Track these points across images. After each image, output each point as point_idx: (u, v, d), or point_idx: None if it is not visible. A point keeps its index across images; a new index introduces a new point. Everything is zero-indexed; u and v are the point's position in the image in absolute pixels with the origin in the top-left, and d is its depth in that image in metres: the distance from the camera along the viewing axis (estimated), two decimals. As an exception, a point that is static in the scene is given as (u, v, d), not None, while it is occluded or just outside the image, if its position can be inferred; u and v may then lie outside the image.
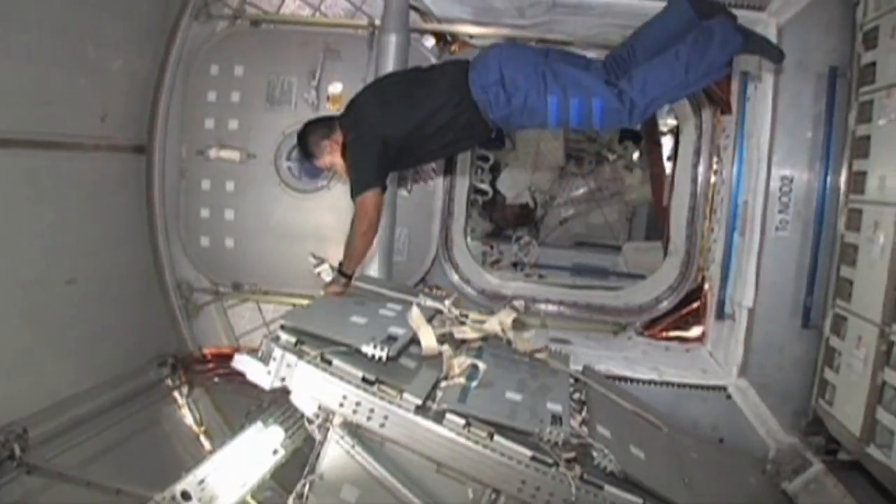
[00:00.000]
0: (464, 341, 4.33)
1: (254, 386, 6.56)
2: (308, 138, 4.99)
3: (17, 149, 5.38)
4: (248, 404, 5.93)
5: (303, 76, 6.96)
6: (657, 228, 9.86)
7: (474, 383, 3.88)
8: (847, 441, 5.18)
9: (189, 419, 6.82)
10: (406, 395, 3.61)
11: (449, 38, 7.08)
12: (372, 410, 3.61)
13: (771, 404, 6.01)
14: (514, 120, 4.68)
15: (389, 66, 6.33)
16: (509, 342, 4.77)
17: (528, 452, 3.54)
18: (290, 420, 5.69)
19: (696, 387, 6.17)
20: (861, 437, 4.87)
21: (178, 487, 4.49)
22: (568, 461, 3.58)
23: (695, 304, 7.07)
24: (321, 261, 4.87)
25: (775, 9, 5.92)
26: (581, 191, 11.50)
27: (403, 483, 3.58)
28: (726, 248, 6.51)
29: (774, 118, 5.96)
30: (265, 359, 3.68)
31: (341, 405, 3.63)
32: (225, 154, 7.00)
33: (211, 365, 6.95)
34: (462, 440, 3.55)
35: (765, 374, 6.04)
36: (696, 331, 7.04)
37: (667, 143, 10.18)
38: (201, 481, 4.61)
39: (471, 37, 6.97)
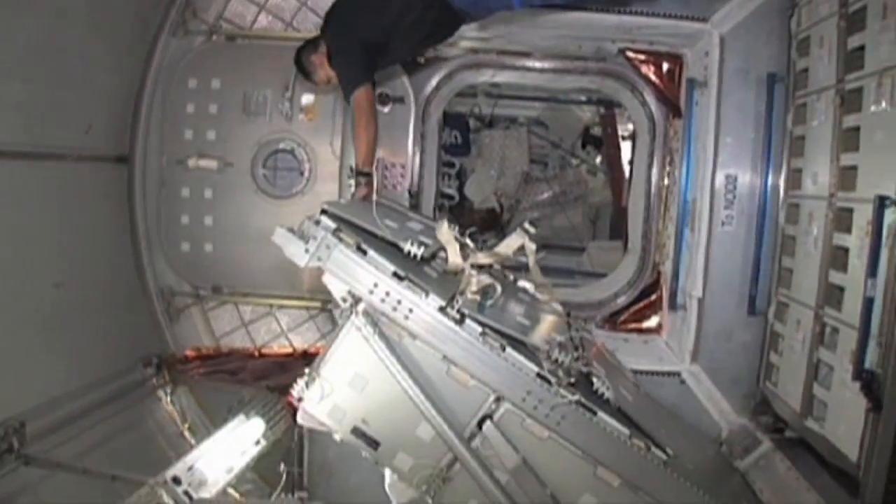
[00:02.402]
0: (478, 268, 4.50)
1: (233, 382, 6.90)
2: (301, 61, 5.34)
3: (7, 160, 5.63)
4: (229, 401, 6.21)
5: (277, 88, 7.24)
6: (619, 229, 10.21)
7: (489, 302, 4.10)
8: (790, 417, 5.60)
9: (174, 416, 7.04)
10: (431, 296, 3.78)
11: (415, 50, 7.37)
12: (399, 302, 3.76)
13: (722, 387, 6.39)
14: (481, 3, 5.00)
15: (359, 77, 6.64)
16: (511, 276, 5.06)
17: (535, 368, 3.78)
18: (270, 413, 6.00)
19: (652, 373, 6.51)
20: (801, 412, 5.29)
21: (170, 473, 4.83)
22: (570, 384, 3.82)
23: (652, 297, 7.43)
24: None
25: (717, 20, 6.32)
26: (546, 195, 11.80)
27: (413, 378, 3.73)
28: (677, 243, 6.89)
29: (719, 121, 6.35)
30: (305, 238, 3.76)
31: (371, 292, 3.76)
32: (203, 163, 7.26)
33: (193, 364, 7.18)
34: (478, 343, 3.78)
35: (715, 360, 6.42)
36: (653, 322, 7.41)
37: (626, 147, 10.53)
38: (190, 468, 4.96)
39: (435, 50, 7.24)
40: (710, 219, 6.37)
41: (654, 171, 7.52)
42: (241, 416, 5.66)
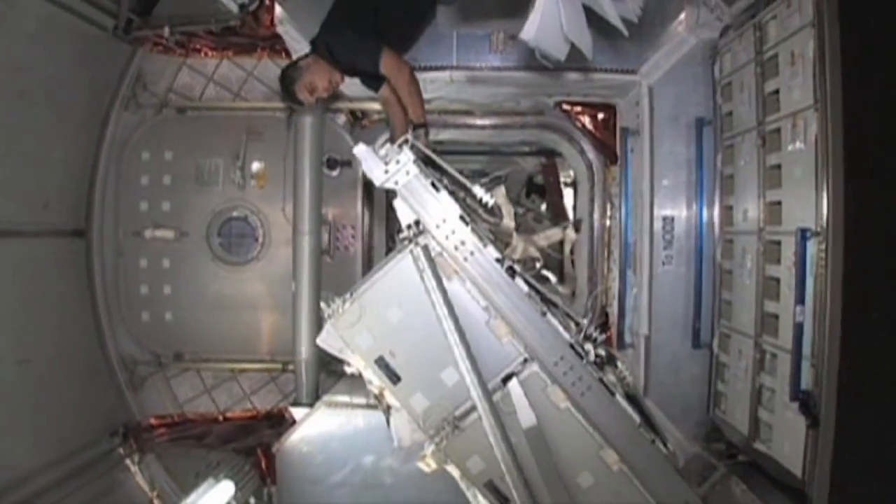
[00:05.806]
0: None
1: (200, 447, 6.95)
2: (286, 72, 5.45)
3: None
4: (197, 466, 6.27)
5: (228, 157, 7.49)
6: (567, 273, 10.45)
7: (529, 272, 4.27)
8: (739, 442, 5.81)
9: (142, 484, 7.02)
10: (489, 246, 4.00)
11: (360, 114, 7.63)
12: (463, 242, 3.97)
13: (674, 419, 6.56)
14: None
15: (307, 143, 6.93)
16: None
17: (570, 339, 4.02)
18: (239, 474, 6.08)
19: (607, 410, 6.67)
20: (749, 435, 5.52)
21: (143, 540, 4.87)
22: (596, 362, 4.08)
23: (603, 337, 7.60)
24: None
25: (645, 71, 6.65)
26: (494, 244, 11.90)
27: (454, 319, 3.86)
28: (621, 284, 7.12)
29: (653, 166, 6.61)
30: (386, 161, 3.92)
31: (438, 227, 3.95)
32: (160, 233, 7.45)
33: (159, 431, 7.21)
34: (526, 300, 3.98)
35: (666, 393, 6.60)
36: (605, 362, 7.56)
37: (569, 194, 10.80)
38: (162, 536, 5.01)
39: (379, 113, 7.46)
40: (651, 259, 6.59)
41: (596, 216, 7.79)
42: (210, 480, 5.71)
